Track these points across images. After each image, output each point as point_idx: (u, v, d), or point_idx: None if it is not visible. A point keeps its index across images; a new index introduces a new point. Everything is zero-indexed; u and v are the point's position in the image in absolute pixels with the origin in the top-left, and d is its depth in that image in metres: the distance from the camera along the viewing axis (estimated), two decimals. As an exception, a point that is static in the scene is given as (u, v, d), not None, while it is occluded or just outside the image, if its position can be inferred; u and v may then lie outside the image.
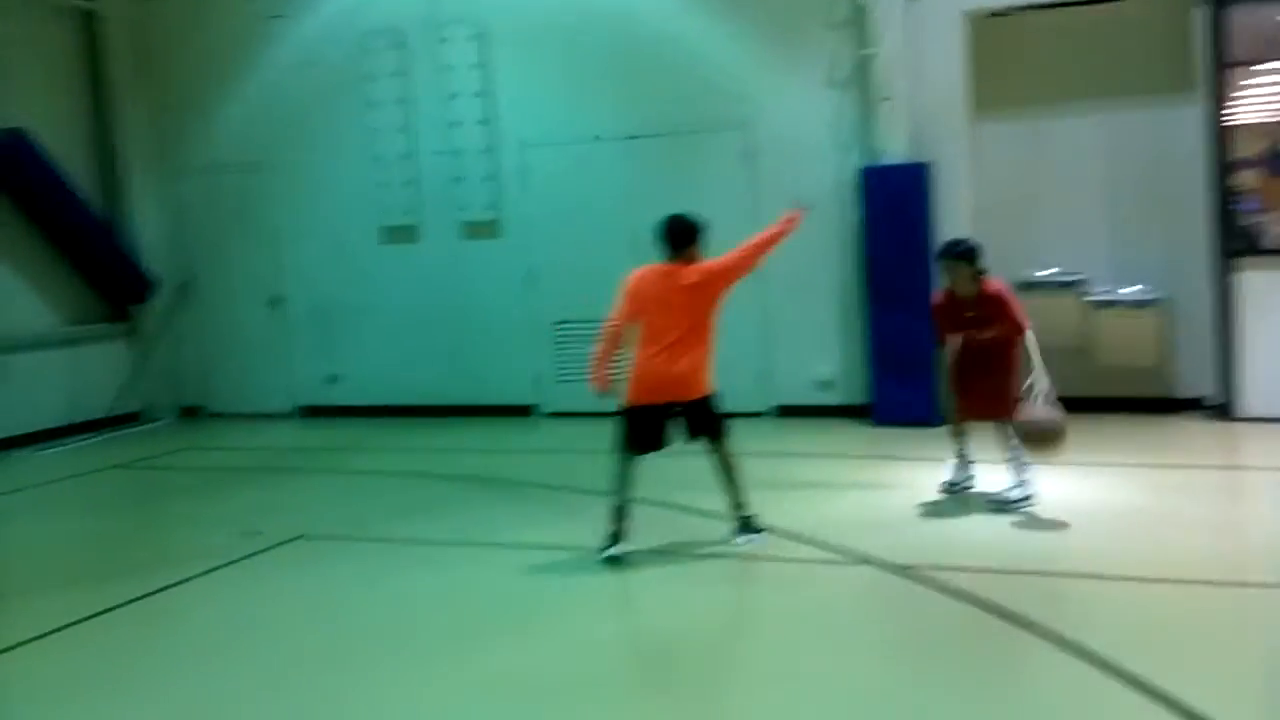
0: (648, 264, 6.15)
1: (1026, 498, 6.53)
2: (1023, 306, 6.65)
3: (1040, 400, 6.32)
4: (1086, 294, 9.23)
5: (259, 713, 4.38)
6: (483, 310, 11.12)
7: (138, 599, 5.82)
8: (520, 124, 10.82)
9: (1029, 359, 6.44)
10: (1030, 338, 6.44)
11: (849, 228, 9.74)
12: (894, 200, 9.44)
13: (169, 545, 7.21)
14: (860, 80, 9.64)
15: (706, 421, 6.07)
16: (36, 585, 6.28)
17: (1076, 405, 9.65)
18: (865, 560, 5.77)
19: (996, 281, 6.63)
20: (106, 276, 11.84)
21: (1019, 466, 6.58)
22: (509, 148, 10.86)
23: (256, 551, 6.58)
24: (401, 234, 11.36)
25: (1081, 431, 8.63)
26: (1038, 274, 9.39)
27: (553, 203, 10.77)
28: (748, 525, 6.17)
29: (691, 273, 5.96)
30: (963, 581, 5.31)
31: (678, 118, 10.25)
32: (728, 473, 6.14)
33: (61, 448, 10.86)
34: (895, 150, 9.46)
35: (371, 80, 11.17)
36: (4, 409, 10.82)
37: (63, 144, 11.48)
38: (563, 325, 10.82)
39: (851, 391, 9.91)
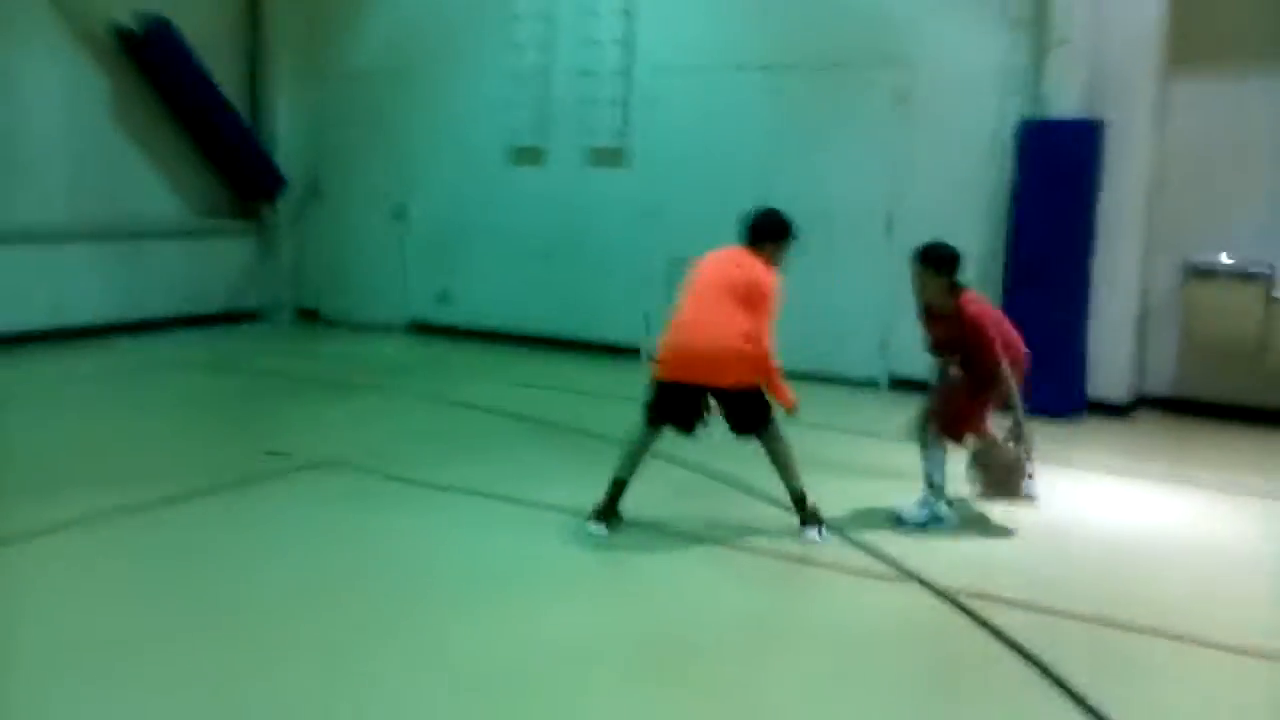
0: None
1: (926, 523, 5.63)
2: (1010, 335, 5.56)
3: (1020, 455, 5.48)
4: (1274, 288, 7.86)
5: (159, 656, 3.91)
6: (600, 241, 10.46)
7: (109, 511, 5.44)
8: (657, 46, 10.02)
9: (1011, 398, 5.42)
10: (1006, 372, 5.36)
11: (1002, 190, 8.59)
12: (1057, 162, 8.23)
13: (189, 455, 6.74)
14: (1037, 18, 8.41)
15: (741, 416, 5.37)
16: (29, 484, 5.95)
17: (1249, 415, 8.64)
18: (917, 579, 4.88)
19: (978, 302, 5.56)
20: (239, 172, 11.75)
21: (935, 491, 5.67)
22: (642, 70, 10.10)
23: (268, 475, 6.14)
24: (527, 156, 10.78)
25: (1245, 448, 7.57)
26: (1218, 260, 8.05)
27: (681, 134, 9.97)
28: (809, 520, 5.42)
29: (756, 271, 5.30)
30: (1016, 620, 4.39)
31: (827, 49, 9.25)
32: (778, 467, 5.43)
33: (172, 337, 10.86)
34: (1065, 104, 8.22)
35: (517, -12, 10.60)
36: (127, 295, 10.91)
37: (212, 37, 11.41)
38: (679, 264, 10.04)
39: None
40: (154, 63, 10.83)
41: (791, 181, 9.03)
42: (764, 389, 5.28)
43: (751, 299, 5.19)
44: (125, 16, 10.52)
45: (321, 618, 4.29)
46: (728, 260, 5.41)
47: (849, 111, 9.17)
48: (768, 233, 5.45)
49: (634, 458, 5.45)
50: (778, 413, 5.34)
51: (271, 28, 11.91)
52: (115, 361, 9.75)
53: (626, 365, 9.91)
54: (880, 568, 5.04)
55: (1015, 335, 5.59)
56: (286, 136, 12.05)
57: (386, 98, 11.50)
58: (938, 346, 5.69)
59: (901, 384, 8.89)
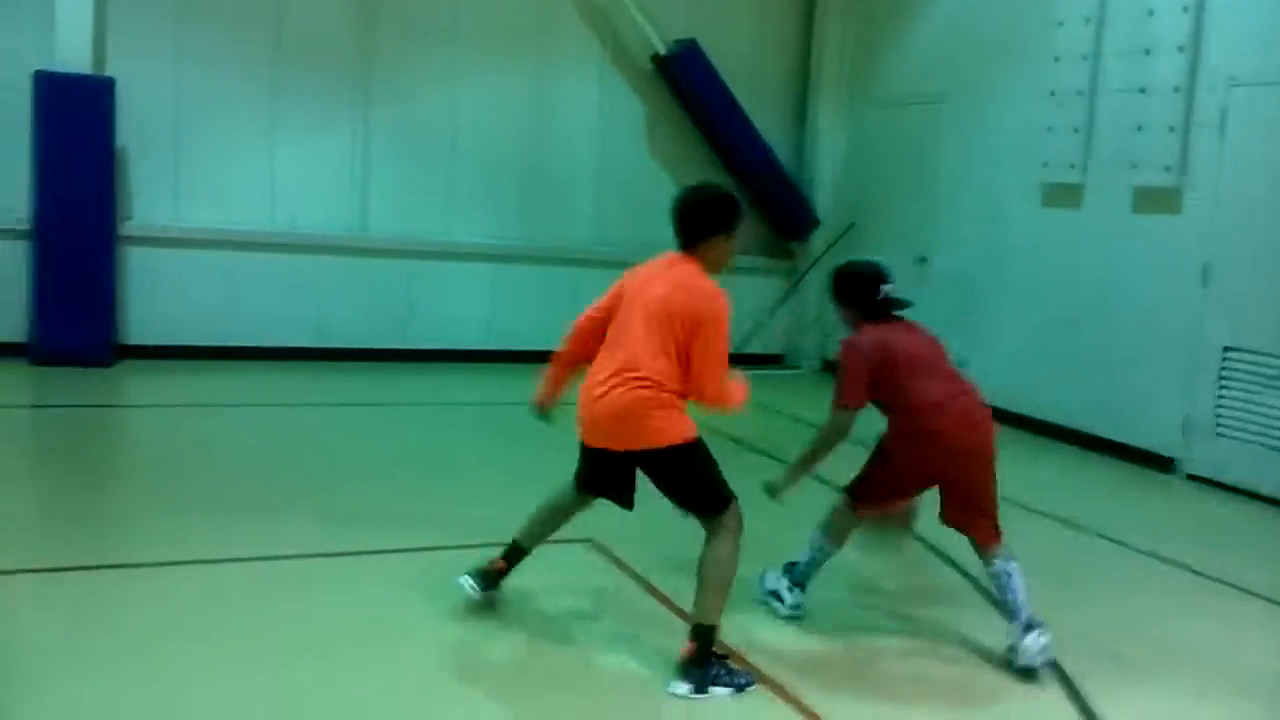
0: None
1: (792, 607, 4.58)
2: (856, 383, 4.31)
3: None
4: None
5: None
6: (1139, 311, 7.96)
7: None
8: (1231, 51, 7.35)
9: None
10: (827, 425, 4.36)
11: None
12: None
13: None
14: None
15: (671, 482, 3.95)
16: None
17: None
18: None
19: (853, 337, 4.47)
20: (771, 206, 11.05)
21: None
22: (1210, 87, 7.46)
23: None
24: (1061, 195, 8.60)
25: None
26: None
27: (1258, 172, 7.19)
28: (696, 660, 3.81)
29: (686, 286, 3.93)
30: None
31: None
32: (701, 570, 3.90)
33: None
34: None
35: (1065, -10, 8.53)
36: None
37: (754, 61, 10.95)
38: (1233, 354, 7.30)
39: None
40: (684, 87, 10.56)
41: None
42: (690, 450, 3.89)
43: (678, 327, 3.86)
44: (664, 43, 10.39)
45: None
46: (650, 273, 4.05)
47: None
48: (696, 222, 4.02)
49: (539, 515, 4.33)
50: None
51: (820, 53, 11.07)
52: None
53: (1149, 482, 7.43)
54: None
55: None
56: (824, 169, 11.11)
57: (921, 127, 10.00)
58: None
59: None
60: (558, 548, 4.66)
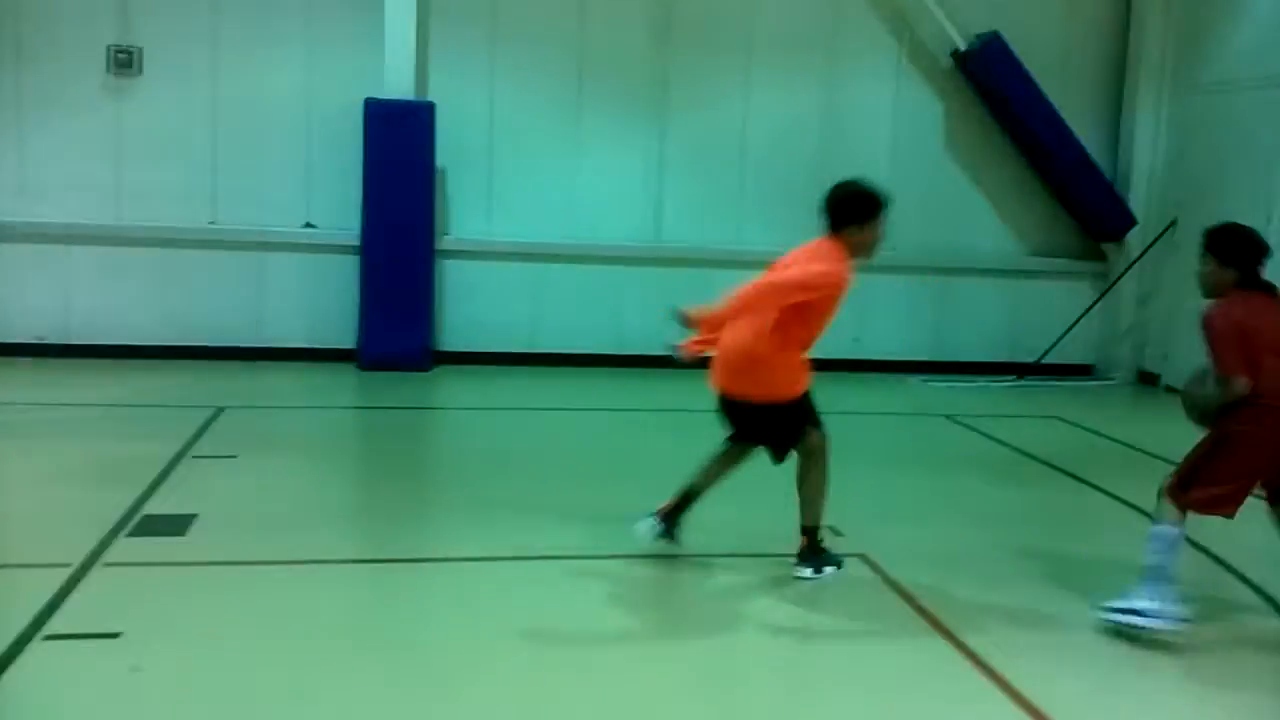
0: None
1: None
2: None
3: None
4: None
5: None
6: None
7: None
8: None
9: None
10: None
11: None
12: None
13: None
14: None
15: (762, 432, 4.85)
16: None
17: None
18: None
19: (1222, 305, 4.33)
20: (1080, 205, 10.39)
21: None
22: None
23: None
24: None
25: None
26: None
27: None
28: (810, 554, 4.87)
29: (812, 264, 4.63)
30: None
31: None
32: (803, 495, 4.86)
33: (976, 384, 10.06)
34: None
35: None
36: (933, 332, 10.47)
37: (1066, 52, 10.38)
38: None
39: None
40: (986, 84, 10.12)
41: None
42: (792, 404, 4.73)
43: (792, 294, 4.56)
44: (965, 39, 10.01)
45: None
46: (790, 259, 4.75)
47: None
48: (842, 211, 4.66)
49: (705, 465, 5.01)
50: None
51: (1139, 37, 10.31)
52: (911, 400, 9.43)
53: None
54: None
55: None
56: (1142, 163, 10.34)
57: (1254, 114, 9.12)
58: None
59: None
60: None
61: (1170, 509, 4.34)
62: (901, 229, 10.28)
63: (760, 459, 4.97)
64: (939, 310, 10.48)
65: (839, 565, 4.91)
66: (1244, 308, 4.29)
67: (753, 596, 4.73)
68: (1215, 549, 5.35)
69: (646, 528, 4.93)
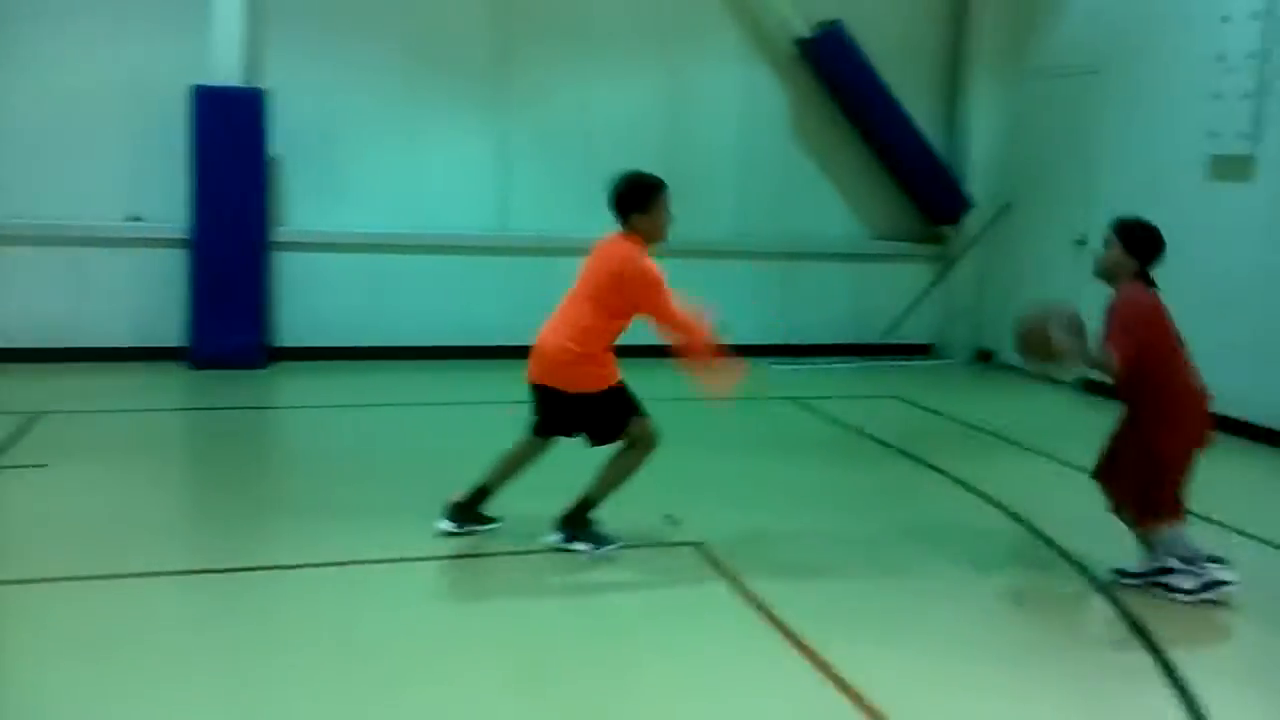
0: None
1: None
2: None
3: None
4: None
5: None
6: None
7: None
8: None
9: None
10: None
11: None
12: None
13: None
14: None
15: (580, 421, 4.99)
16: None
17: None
18: None
19: (1137, 289, 4.65)
20: (919, 189, 10.63)
21: None
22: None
23: (623, 545, 5.08)
24: (1231, 167, 7.98)
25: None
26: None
27: None
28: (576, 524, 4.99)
29: (630, 262, 4.84)
30: None
31: None
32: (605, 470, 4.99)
33: (822, 366, 10.22)
34: None
35: (1237, -56, 7.89)
36: (782, 317, 10.56)
37: (904, 39, 10.56)
38: None
39: None
40: (828, 71, 10.24)
41: None
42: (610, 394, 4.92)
43: (625, 294, 4.82)
44: (807, 26, 10.10)
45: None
46: (596, 250, 5.01)
47: None
48: (626, 201, 4.89)
49: (501, 460, 5.10)
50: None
51: (974, 25, 10.55)
52: (756, 386, 9.39)
53: None
54: None
55: None
56: (979, 148, 10.61)
57: (1078, 99, 9.44)
58: None
59: None
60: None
61: (1157, 530, 4.64)
62: (750, 215, 10.57)
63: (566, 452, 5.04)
64: (787, 294, 10.58)
65: (597, 546, 4.94)
66: (1154, 299, 4.57)
67: (578, 589, 4.69)
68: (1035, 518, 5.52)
69: (443, 525, 5.06)
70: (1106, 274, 4.69)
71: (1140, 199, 8.75)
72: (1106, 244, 4.71)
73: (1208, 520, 5.45)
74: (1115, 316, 4.51)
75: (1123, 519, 4.81)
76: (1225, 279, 7.97)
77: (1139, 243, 4.65)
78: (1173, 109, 8.47)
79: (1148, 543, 4.72)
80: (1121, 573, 4.81)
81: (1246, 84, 7.76)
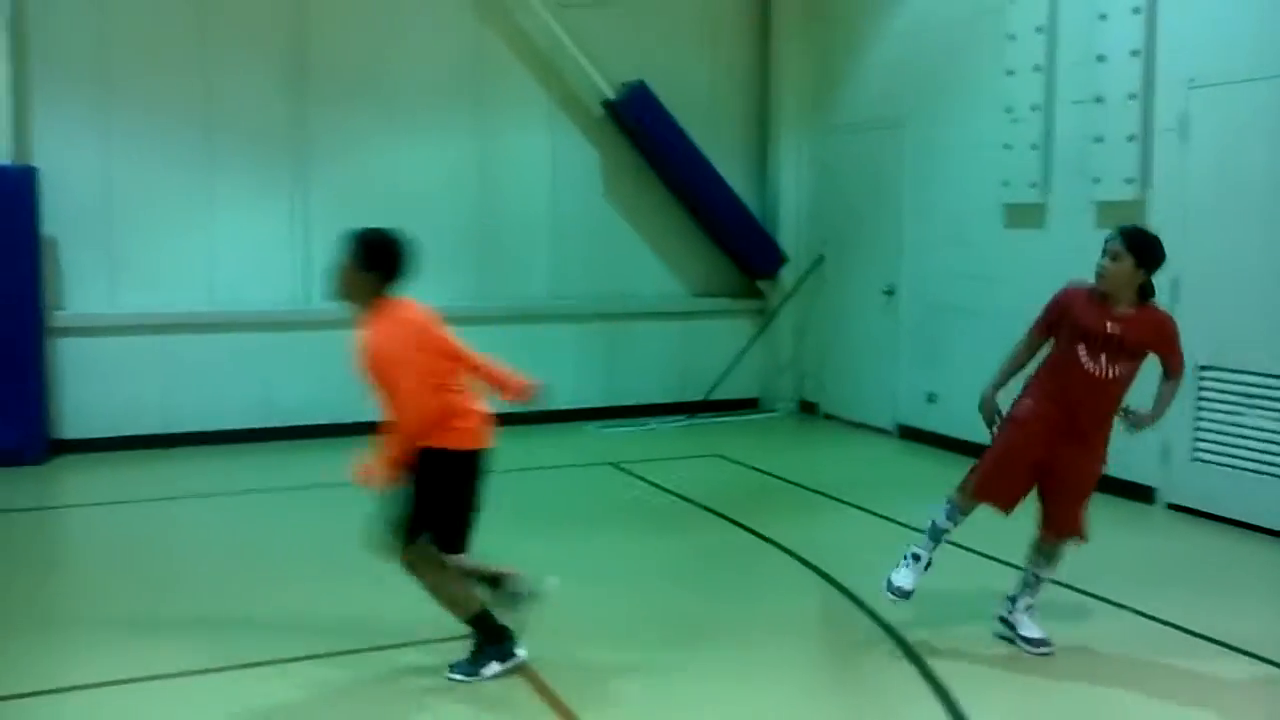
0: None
1: None
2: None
3: None
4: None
5: None
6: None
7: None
8: (1188, 54, 6.96)
9: None
10: None
11: None
12: None
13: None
14: None
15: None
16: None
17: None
18: None
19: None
20: (735, 245, 10.65)
21: None
22: (1168, 91, 7.07)
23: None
24: (1024, 215, 8.20)
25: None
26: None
27: (1223, 179, 6.78)
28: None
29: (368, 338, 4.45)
30: None
31: None
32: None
33: (648, 426, 10.05)
34: None
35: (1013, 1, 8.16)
36: (608, 377, 10.38)
37: (713, 100, 10.62)
38: (1208, 373, 6.86)
39: None
40: (635, 129, 10.20)
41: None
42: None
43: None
44: (613, 88, 10.05)
45: None
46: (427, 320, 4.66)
47: None
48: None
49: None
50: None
51: (778, 83, 10.70)
52: (580, 448, 9.21)
53: (1128, 515, 6.94)
54: None
55: None
56: (789, 203, 10.72)
57: (882, 152, 9.63)
58: None
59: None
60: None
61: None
62: (567, 278, 10.37)
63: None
64: (610, 356, 10.41)
65: (503, 659, 4.44)
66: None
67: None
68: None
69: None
70: (1117, 286, 4.47)
71: (944, 248, 9.03)
72: (1114, 256, 4.46)
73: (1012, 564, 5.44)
74: (1174, 334, 4.58)
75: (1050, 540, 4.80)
76: (1022, 320, 8.12)
77: (1152, 257, 4.47)
78: (968, 160, 8.69)
79: (1053, 556, 4.77)
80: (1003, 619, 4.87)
81: (1031, 135, 8.00)
